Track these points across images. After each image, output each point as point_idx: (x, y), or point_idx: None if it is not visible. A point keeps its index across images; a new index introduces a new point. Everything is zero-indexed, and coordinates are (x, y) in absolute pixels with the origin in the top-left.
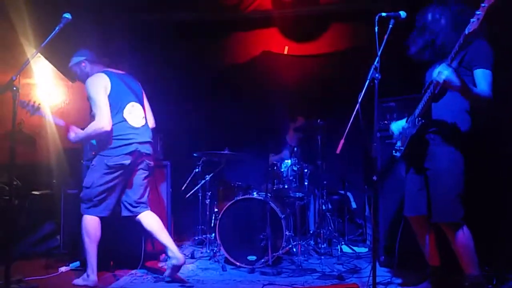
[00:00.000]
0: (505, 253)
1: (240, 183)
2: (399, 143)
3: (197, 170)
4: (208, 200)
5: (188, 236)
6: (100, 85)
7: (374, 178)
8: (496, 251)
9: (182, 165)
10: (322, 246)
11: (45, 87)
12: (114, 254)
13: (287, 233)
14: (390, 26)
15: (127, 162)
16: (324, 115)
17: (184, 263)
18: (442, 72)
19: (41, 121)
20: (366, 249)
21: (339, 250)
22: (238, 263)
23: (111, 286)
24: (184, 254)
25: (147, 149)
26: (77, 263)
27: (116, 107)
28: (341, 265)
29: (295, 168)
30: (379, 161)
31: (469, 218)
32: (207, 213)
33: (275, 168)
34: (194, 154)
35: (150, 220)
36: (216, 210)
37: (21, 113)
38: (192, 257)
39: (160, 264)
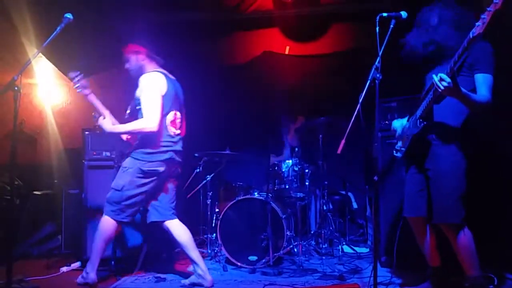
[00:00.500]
0: (505, 253)
1: (241, 183)
2: (399, 144)
3: (198, 170)
4: (209, 200)
5: None
6: (158, 84)
7: (375, 178)
8: (497, 251)
9: (183, 165)
10: (323, 246)
11: (47, 87)
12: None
13: (288, 233)
14: (391, 26)
15: (162, 169)
16: (325, 115)
17: (212, 286)
18: (443, 80)
19: (42, 121)
20: (367, 250)
21: (340, 250)
22: (239, 263)
23: (112, 286)
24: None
25: (180, 158)
26: (78, 263)
27: (162, 112)
28: (342, 265)
29: (296, 168)
30: (380, 161)
31: (470, 219)
32: (208, 213)
33: (276, 168)
34: (195, 155)
35: (181, 232)
36: (217, 210)
37: (22, 114)
38: None
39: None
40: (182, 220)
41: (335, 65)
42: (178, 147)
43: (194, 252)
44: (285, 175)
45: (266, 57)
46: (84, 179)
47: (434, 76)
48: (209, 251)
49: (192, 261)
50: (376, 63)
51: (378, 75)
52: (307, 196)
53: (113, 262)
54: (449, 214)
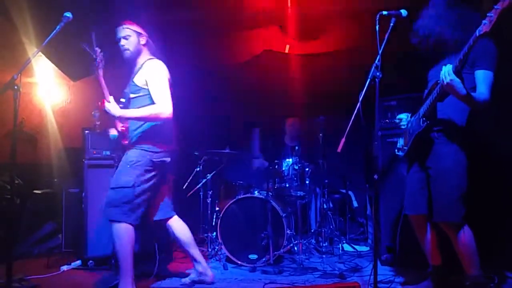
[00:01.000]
0: (506, 252)
1: (241, 182)
2: (401, 142)
3: (198, 169)
4: (210, 199)
5: None
6: (165, 73)
7: (375, 176)
8: (497, 250)
9: (183, 164)
10: (324, 245)
11: (46, 86)
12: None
13: (288, 232)
14: (391, 24)
15: (168, 159)
16: (325, 113)
17: (213, 282)
18: (449, 75)
19: (42, 120)
20: (368, 248)
21: (341, 248)
22: (239, 262)
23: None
24: None
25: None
26: (79, 262)
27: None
28: (343, 263)
29: (296, 167)
30: (380, 159)
31: (470, 218)
32: (208, 212)
33: (276, 167)
34: (195, 153)
35: (183, 229)
36: (217, 209)
37: (22, 113)
38: None
39: None
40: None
41: (335, 63)
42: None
43: (194, 250)
44: (285, 174)
45: (266, 56)
46: (84, 178)
47: (441, 72)
48: (210, 250)
49: (193, 259)
50: (376, 61)
51: (378, 74)
52: (307, 195)
53: (113, 261)
54: (449, 213)
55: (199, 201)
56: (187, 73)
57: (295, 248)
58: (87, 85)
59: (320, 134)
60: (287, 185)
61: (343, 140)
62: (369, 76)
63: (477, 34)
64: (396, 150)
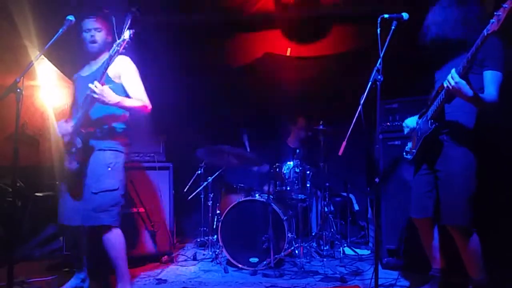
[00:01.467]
0: (506, 253)
1: (242, 185)
2: (409, 145)
3: (199, 172)
4: (210, 202)
5: (190, 238)
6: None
7: (377, 180)
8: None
9: (184, 167)
10: (325, 248)
11: (49, 89)
12: None
13: (289, 235)
14: (393, 27)
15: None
16: (326, 117)
17: None
18: (453, 79)
19: (44, 122)
20: (369, 251)
21: (342, 252)
22: (240, 265)
23: None
24: (186, 256)
25: None
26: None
27: None
28: (344, 267)
29: (297, 170)
30: (381, 163)
31: (476, 220)
32: (209, 215)
33: (277, 170)
34: (197, 153)
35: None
36: (218, 212)
37: (24, 115)
38: (194, 259)
39: (162, 266)
40: (183, 222)
41: (336, 66)
42: None
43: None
44: (286, 177)
45: (267, 58)
46: None
47: (452, 71)
48: (210, 253)
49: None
50: (378, 64)
51: (379, 77)
52: (308, 198)
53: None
54: (457, 216)
55: (200, 204)
56: (188, 75)
57: (296, 252)
58: None
59: (321, 138)
60: (288, 188)
61: (344, 143)
62: (371, 79)
63: (485, 34)
64: (404, 153)
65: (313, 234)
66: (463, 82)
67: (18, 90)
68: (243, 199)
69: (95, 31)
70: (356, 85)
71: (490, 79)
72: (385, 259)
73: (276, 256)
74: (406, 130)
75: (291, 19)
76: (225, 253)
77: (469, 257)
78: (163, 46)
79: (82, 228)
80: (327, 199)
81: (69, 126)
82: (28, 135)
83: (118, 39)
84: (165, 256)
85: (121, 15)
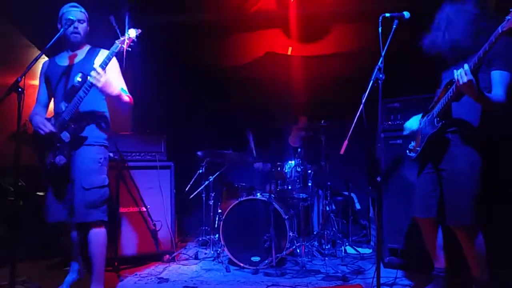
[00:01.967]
0: (506, 253)
1: (243, 184)
2: (413, 143)
3: (200, 171)
4: (212, 201)
5: (192, 237)
6: None
7: (378, 179)
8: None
9: (185, 166)
10: (326, 247)
11: None
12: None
13: (291, 234)
14: (394, 26)
15: None
16: (327, 116)
17: None
18: (466, 75)
19: None
20: (370, 250)
21: (343, 251)
22: (242, 264)
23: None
24: (188, 255)
25: None
26: None
27: None
28: (345, 266)
29: (298, 169)
30: (383, 161)
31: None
32: (211, 214)
33: (278, 169)
34: (198, 153)
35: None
36: (219, 211)
37: (26, 115)
38: (196, 258)
39: (164, 265)
40: (185, 221)
41: (338, 65)
42: None
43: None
44: (288, 176)
45: (268, 57)
46: None
47: (455, 71)
48: (212, 252)
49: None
50: (379, 63)
51: (381, 76)
52: (310, 197)
53: (116, 263)
54: (462, 216)
55: (202, 203)
56: (190, 74)
57: (298, 250)
58: None
59: (323, 136)
60: (289, 187)
61: (346, 142)
62: (372, 78)
63: (500, 31)
64: (407, 151)
65: (315, 233)
66: (474, 80)
67: (20, 89)
68: (244, 198)
69: (78, 23)
70: (358, 84)
71: (498, 79)
72: (387, 258)
73: (278, 255)
74: (406, 132)
75: (292, 18)
76: (226, 252)
77: (474, 257)
78: (164, 45)
79: (66, 223)
80: (328, 198)
81: (46, 120)
82: (30, 135)
83: (121, 36)
84: (167, 255)
85: (120, 13)
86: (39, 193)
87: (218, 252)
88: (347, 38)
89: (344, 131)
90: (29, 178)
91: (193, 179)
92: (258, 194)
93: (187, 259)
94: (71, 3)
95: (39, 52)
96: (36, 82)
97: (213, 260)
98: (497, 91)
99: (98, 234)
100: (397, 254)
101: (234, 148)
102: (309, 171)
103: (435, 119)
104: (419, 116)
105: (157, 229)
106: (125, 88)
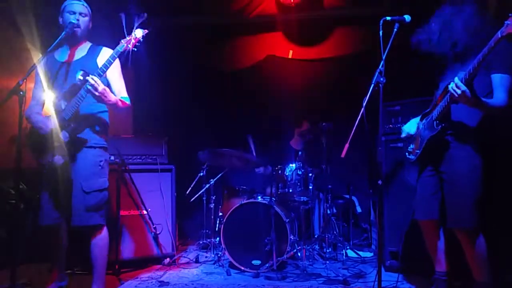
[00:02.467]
0: (506, 256)
1: (244, 187)
2: (412, 146)
3: (201, 174)
4: (213, 204)
5: (193, 240)
6: None
7: (379, 182)
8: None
9: (186, 169)
10: (327, 250)
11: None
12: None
13: (291, 237)
14: (395, 30)
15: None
16: (328, 119)
17: None
18: (459, 88)
19: None
20: (372, 254)
21: (344, 254)
22: (242, 268)
23: None
24: (189, 258)
25: None
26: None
27: None
28: (346, 269)
29: (299, 172)
30: (384, 165)
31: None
32: (212, 217)
33: (279, 172)
34: (199, 153)
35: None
36: (220, 214)
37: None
38: (197, 261)
39: (164, 268)
40: (185, 224)
41: (338, 69)
42: None
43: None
44: (289, 179)
45: (269, 61)
46: None
47: (454, 80)
48: (213, 255)
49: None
50: (380, 67)
51: (381, 79)
52: (310, 200)
53: (116, 266)
54: (463, 219)
55: (202, 206)
56: (191, 77)
57: (299, 254)
58: None
59: (324, 139)
60: (290, 191)
61: (347, 145)
62: (373, 82)
63: (499, 36)
64: (406, 154)
65: (316, 236)
66: (468, 90)
67: (21, 92)
68: (245, 201)
69: (80, 16)
70: (359, 88)
71: (499, 82)
72: (388, 262)
73: (279, 258)
74: (403, 134)
75: (293, 22)
76: (227, 255)
77: (475, 260)
78: (166, 49)
79: (61, 226)
80: (329, 201)
81: (46, 118)
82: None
83: (127, 36)
84: (167, 259)
85: (127, 14)
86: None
87: (218, 255)
88: (347, 42)
89: (345, 134)
90: (30, 181)
91: (194, 182)
92: (259, 197)
93: (187, 263)
94: None
95: (40, 55)
96: None
97: (214, 264)
98: (499, 95)
99: (100, 237)
100: (398, 257)
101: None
102: (310, 174)
103: (435, 122)
104: (417, 119)
105: (158, 232)
106: (124, 91)
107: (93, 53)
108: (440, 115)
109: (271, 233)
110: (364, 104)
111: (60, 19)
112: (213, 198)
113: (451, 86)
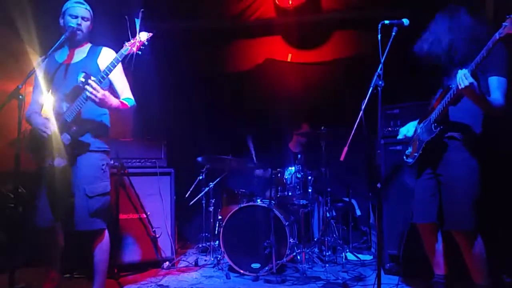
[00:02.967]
0: (503, 255)
1: (243, 190)
2: (410, 149)
3: (200, 177)
4: (212, 208)
5: (192, 243)
6: None
7: (378, 185)
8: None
9: (185, 173)
10: (327, 253)
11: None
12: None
13: (291, 240)
14: (393, 33)
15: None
16: (327, 122)
17: None
18: (467, 78)
19: None
20: (371, 257)
21: (344, 257)
22: (242, 271)
23: None
24: (188, 262)
25: None
26: None
27: None
28: (346, 272)
29: (299, 175)
30: (383, 168)
31: (481, 226)
32: (211, 220)
33: (278, 175)
34: (198, 159)
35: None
36: (220, 217)
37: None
38: (196, 265)
39: (163, 272)
40: (185, 228)
41: (337, 72)
42: None
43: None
44: (288, 182)
45: (268, 64)
46: None
47: (459, 72)
48: (212, 259)
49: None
50: (379, 70)
51: (380, 82)
52: (310, 203)
53: (116, 270)
54: (461, 221)
55: (202, 210)
56: (190, 80)
57: (298, 257)
58: None
59: (323, 142)
60: (289, 194)
61: (346, 148)
62: (372, 85)
63: (497, 37)
64: (404, 157)
65: (315, 239)
66: (475, 82)
67: (20, 96)
68: (244, 204)
69: (82, 20)
70: (357, 91)
71: (496, 85)
72: (388, 265)
73: (278, 261)
74: (400, 136)
75: (292, 25)
76: (226, 259)
77: (474, 262)
78: (164, 52)
79: (56, 228)
80: (329, 204)
81: (47, 120)
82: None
83: (131, 39)
84: (167, 262)
85: (130, 17)
86: None
87: (218, 258)
88: (346, 45)
89: (344, 137)
90: (29, 185)
91: (193, 186)
92: (258, 200)
93: (187, 266)
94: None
95: (39, 58)
96: None
97: (213, 267)
98: (496, 96)
99: (103, 242)
100: (398, 260)
101: (234, 154)
102: (309, 177)
103: (433, 125)
104: (415, 122)
105: (157, 236)
106: (127, 90)
107: (93, 54)
108: (438, 118)
109: (270, 236)
110: (363, 107)
111: (61, 21)
112: (213, 201)
113: (459, 76)
